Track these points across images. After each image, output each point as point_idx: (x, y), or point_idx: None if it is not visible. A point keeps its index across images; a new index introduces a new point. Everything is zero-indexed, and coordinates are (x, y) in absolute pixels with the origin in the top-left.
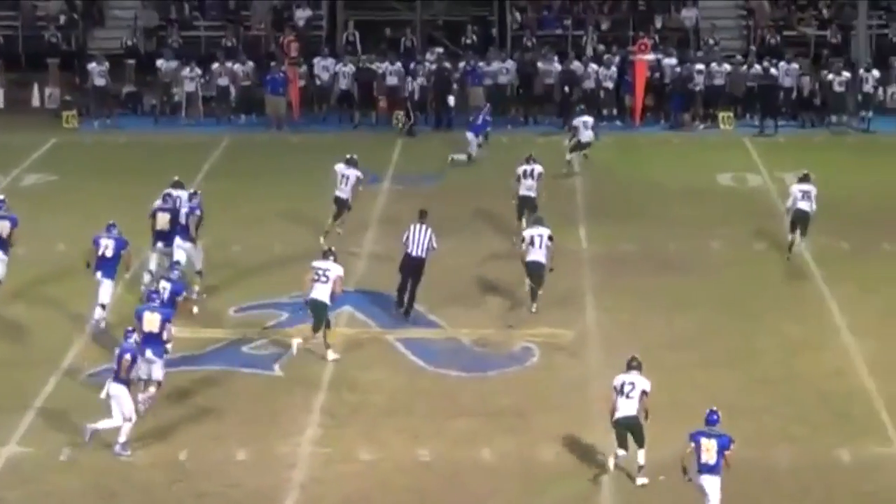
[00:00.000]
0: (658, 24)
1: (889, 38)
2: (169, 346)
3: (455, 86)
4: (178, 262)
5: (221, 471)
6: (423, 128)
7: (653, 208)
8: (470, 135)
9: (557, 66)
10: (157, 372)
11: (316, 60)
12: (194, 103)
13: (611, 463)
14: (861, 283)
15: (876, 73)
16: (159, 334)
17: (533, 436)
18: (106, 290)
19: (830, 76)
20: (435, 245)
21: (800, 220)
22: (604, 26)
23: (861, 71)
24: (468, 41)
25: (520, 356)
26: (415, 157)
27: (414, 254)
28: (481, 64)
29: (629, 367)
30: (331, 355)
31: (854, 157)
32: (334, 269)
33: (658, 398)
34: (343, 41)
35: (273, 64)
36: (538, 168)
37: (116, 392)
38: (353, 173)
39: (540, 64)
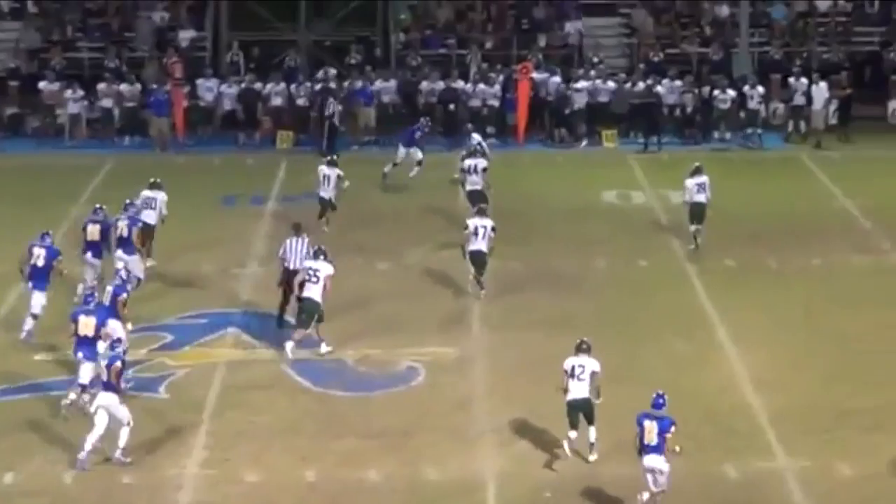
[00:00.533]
0: (542, 43)
1: (770, 55)
2: (122, 347)
3: (340, 106)
4: (119, 270)
5: (107, 494)
6: (306, 148)
7: (538, 226)
8: (401, 149)
9: (440, 85)
10: (85, 375)
11: (200, 81)
12: (78, 125)
13: (566, 447)
14: (746, 300)
15: (761, 89)
16: (94, 338)
17: (418, 455)
18: (37, 300)
19: (714, 93)
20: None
21: (697, 212)
22: (487, 45)
23: (746, 87)
24: (352, 61)
25: (405, 376)
26: (300, 177)
27: (292, 267)
28: (380, 84)
29: (578, 351)
30: (324, 348)
31: (738, 174)
32: (324, 269)
33: (544, 416)
34: (227, 62)
35: (156, 86)
36: (482, 163)
37: (107, 402)
38: (334, 172)
39: (424, 83)
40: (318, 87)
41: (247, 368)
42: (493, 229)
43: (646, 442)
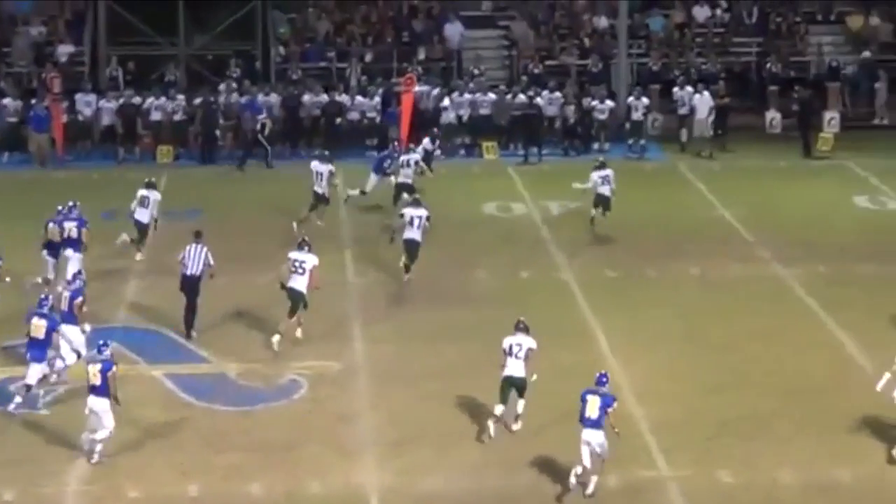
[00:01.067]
0: (421, 56)
1: (648, 66)
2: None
3: (222, 120)
4: (79, 272)
5: None
6: (187, 162)
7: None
8: (372, 176)
9: (323, 98)
10: (33, 376)
11: (78, 96)
12: None
13: (491, 427)
14: (627, 311)
15: (645, 100)
16: (44, 341)
17: (301, 470)
18: None
19: (593, 104)
20: (212, 262)
21: (602, 202)
22: (367, 58)
23: (630, 99)
24: (233, 75)
25: (287, 389)
26: (179, 192)
27: (189, 273)
28: (270, 98)
29: (516, 329)
30: (299, 332)
31: (619, 184)
32: (310, 260)
33: (429, 427)
34: (106, 76)
35: (34, 101)
36: (415, 157)
37: (99, 407)
38: (326, 168)
39: (305, 96)
40: (196, 101)
41: (128, 383)
42: (428, 219)
43: (587, 415)
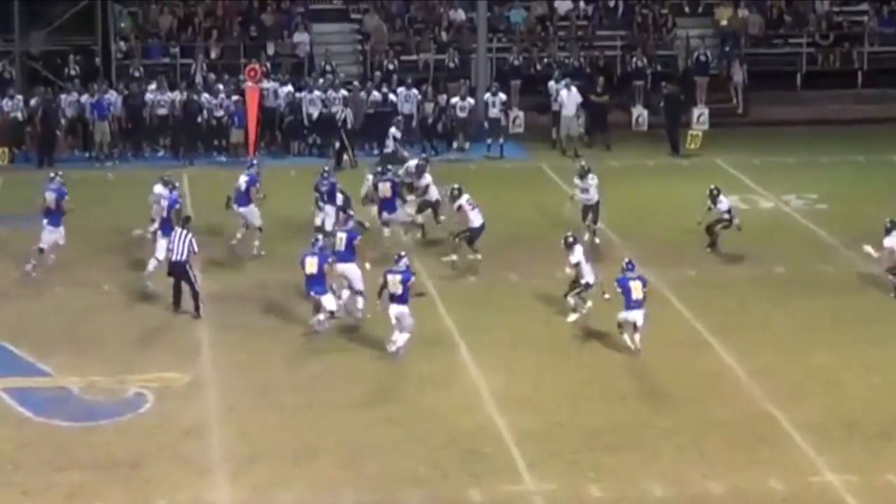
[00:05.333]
0: (270, 51)
1: (510, 61)
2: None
3: (63, 120)
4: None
5: None
6: (24, 165)
7: (269, 244)
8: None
9: (169, 97)
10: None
11: None
12: None
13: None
14: (488, 316)
15: (503, 96)
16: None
17: (149, 486)
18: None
19: (453, 101)
20: (196, 249)
21: (591, 210)
22: (213, 54)
23: (487, 95)
24: (72, 72)
25: (133, 403)
26: (17, 197)
27: (174, 259)
28: (108, 96)
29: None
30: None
31: (478, 185)
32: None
33: (283, 441)
34: None
35: None
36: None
37: (399, 311)
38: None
39: (149, 95)
40: (33, 101)
41: None
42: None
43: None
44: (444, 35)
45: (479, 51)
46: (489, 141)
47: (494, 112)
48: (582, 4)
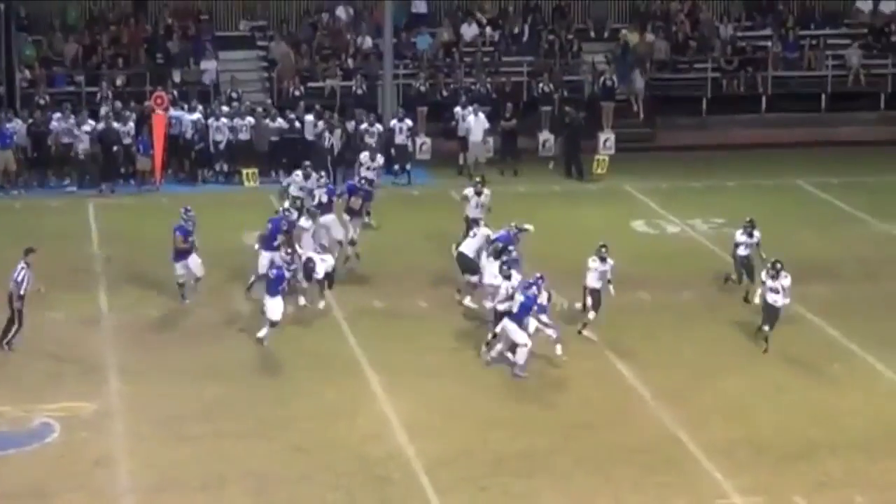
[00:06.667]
0: (177, 79)
1: (416, 87)
2: None
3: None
4: None
5: None
6: None
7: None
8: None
9: (87, 126)
10: None
11: None
12: None
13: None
14: (397, 343)
15: (409, 122)
16: None
17: None
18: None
19: (361, 128)
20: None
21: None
22: (119, 82)
23: (394, 122)
24: None
25: (38, 433)
26: None
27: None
28: (11, 125)
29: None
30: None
31: (385, 211)
32: None
33: (191, 470)
34: None
35: None
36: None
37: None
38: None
39: (55, 123)
40: None
41: None
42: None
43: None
44: (350, 62)
45: (386, 77)
46: (396, 167)
47: (401, 138)
48: (488, 30)
